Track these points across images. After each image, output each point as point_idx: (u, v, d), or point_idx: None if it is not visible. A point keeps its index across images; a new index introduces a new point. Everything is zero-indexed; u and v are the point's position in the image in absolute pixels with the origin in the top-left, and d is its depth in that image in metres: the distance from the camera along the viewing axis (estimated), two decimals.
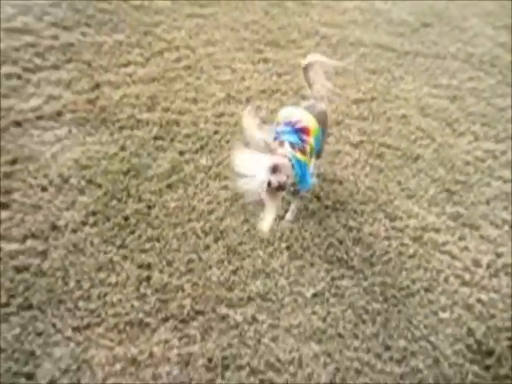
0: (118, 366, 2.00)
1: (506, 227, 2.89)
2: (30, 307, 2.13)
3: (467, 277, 2.58)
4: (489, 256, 2.70)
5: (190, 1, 4.48)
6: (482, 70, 4.51)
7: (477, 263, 2.66)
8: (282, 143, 2.36)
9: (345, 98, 3.68)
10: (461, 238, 2.77)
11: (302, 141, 2.47)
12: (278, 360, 2.12)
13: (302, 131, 2.50)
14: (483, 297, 2.50)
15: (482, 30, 5.29)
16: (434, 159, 3.28)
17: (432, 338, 2.29)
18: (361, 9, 5.21)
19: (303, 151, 2.43)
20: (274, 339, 2.19)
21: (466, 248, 2.73)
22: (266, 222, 2.24)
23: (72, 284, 2.24)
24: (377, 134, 3.39)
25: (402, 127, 3.52)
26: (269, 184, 2.17)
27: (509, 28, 5.40)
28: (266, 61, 3.91)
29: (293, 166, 2.31)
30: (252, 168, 2.18)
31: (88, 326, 2.11)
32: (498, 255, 2.72)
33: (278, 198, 2.38)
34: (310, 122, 2.54)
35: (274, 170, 2.19)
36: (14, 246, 2.33)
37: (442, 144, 3.44)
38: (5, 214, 2.45)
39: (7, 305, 2.12)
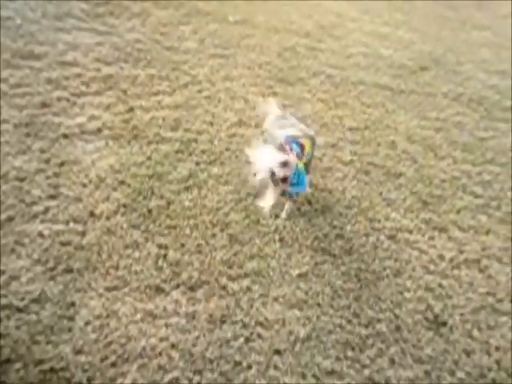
0: (138, 316, 2.52)
1: (472, 231, 3.37)
2: (71, 271, 2.68)
3: (432, 267, 3.06)
4: (453, 252, 3.18)
5: (213, 43, 5.22)
6: (469, 107, 5.05)
7: (441, 257, 3.14)
8: (290, 149, 3.03)
9: (341, 126, 4.27)
10: (430, 238, 3.26)
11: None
12: (266, 319, 2.61)
13: (300, 146, 3.13)
14: (444, 282, 2.97)
15: (474, 74, 5.86)
16: (415, 177, 3.81)
17: (396, 311, 2.76)
18: (365, 54, 5.86)
19: (301, 160, 3.07)
20: (264, 304, 2.69)
21: (433, 246, 3.21)
22: (266, 203, 2.87)
23: (104, 256, 2.79)
24: (366, 156, 3.94)
25: (389, 151, 4.07)
26: (274, 174, 2.78)
27: (501, 73, 5.95)
28: (275, 94, 4.54)
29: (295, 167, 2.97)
30: (266, 160, 2.85)
31: (116, 287, 2.65)
32: (461, 252, 3.19)
33: (279, 188, 2.98)
34: (305, 140, 3.19)
35: (285, 164, 2.83)
36: (60, 227, 2.91)
37: (424, 165, 3.97)
38: (53, 203, 3.04)
39: (54, 269, 2.68)
